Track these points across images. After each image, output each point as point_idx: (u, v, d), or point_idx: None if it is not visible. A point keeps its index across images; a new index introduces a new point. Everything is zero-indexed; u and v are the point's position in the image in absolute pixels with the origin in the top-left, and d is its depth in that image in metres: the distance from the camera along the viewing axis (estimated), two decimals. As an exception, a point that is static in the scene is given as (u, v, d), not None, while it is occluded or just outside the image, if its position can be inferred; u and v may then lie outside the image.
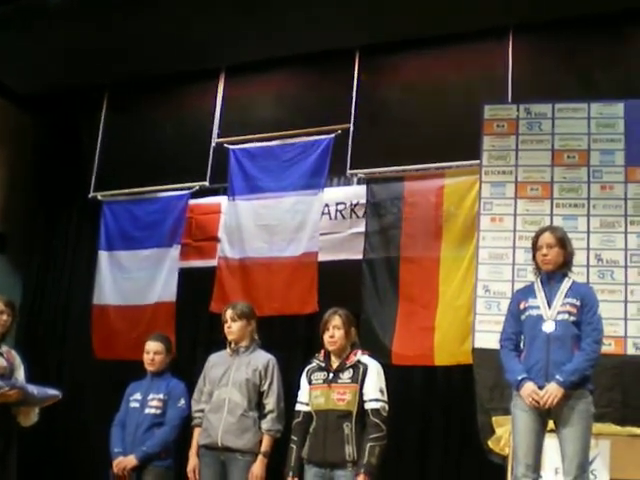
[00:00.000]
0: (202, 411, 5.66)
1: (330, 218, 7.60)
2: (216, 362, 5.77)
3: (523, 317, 4.93)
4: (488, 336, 5.94)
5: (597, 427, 5.36)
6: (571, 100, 6.71)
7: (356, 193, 7.60)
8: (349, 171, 7.60)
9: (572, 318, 4.80)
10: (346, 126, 7.68)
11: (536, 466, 4.76)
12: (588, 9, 7.02)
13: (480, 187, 6.63)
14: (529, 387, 4.71)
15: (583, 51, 7.18)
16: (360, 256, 7.22)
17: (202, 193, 8.11)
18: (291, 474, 5.20)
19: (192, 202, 8.05)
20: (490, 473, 6.08)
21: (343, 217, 7.59)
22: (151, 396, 5.91)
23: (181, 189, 8.07)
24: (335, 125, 7.62)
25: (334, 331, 5.28)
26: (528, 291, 5.03)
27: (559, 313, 4.83)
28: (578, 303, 4.83)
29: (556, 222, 6.21)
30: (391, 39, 7.76)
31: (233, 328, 5.68)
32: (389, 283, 7.07)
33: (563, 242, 4.99)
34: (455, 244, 6.91)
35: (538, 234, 5.06)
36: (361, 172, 7.56)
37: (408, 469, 6.94)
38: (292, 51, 7.95)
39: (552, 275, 4.96)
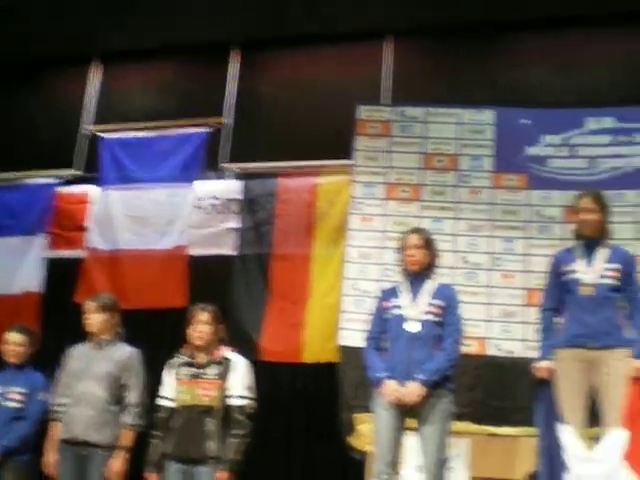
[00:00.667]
0: (62, 405, 5.53)
1: (204, 212, 7.52)
2: (77, 355, 5.60)
3: (388, 316, 4.96)
4: (354, 334, 6.01)
5: (457, 426, 5.47)
6: (444, 105, 6.85)
7: (231, 188, 7.54)
8: (225, 165, 7.57)
9: (435, 319, 4.86)
10: (223, 120, 7.67)
11: (395, 463, 4.81)
12: (464, 18, 7.17)
13: (352, 187, 6.71)
14: (391, 385, 4.75)
15: (458, 58, 7.36)
16: (232, 252, 7.19)
17: (73, 182, 7.93)
18: (151, 469, 5.16)
19: (63, 191, 7.87)
20: (351, 470, 6.14)
21: (217, 212, 7.50)
22: (11, 389, 5.72)
23: (52, 177, 7.89)
24: (212, 118, 7.60)
25: (201, 326, 5.24)
26: (393, 291, 5.07)
27: (423, 313, 4.88)
28: (442, 304, 4.90)
29: (424, 224, 6.27)
30: (271, 35, 7.77)
31: (92, 320, 5.53)
32: (260, 279, 7.07)
33: (429, 244, 5.05)
34: (327, 242, 6.95)
35: (405, 235, 5.11)
36: (236, 167, 7.52)
37: (273, 465, 6.91)
38: (171, 42, 7.87)
39: (417, 276, 5.01)
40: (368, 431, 5.60)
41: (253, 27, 7.67)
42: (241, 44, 7.96)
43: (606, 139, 6.57)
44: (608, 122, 6.60)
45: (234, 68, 7.92)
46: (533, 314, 5.66)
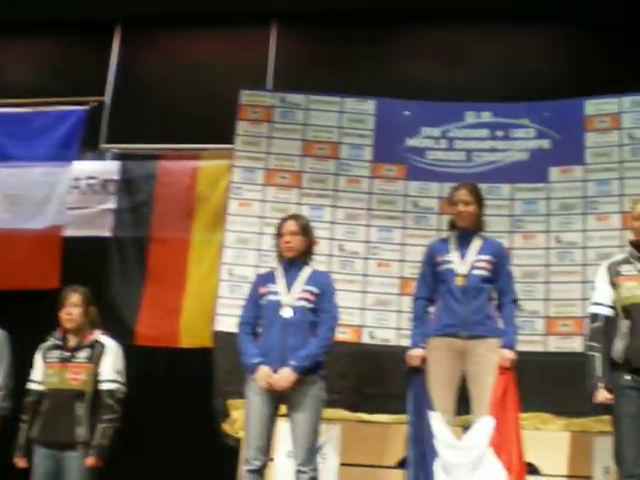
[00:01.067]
0: None
1: (80, 193, 7.33)
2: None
3: (262, 302, 4.97)
4: (230, 320, 5.96)
5: (329, 412, 5.52)
6: (325, 93, 6.87)
7: (109, 169, 7.35)
8: (103, 145, 7.42)
9: (309, 305, 4.89)
10: (103, 99, 7.53)
11: (266, 449, 4.83)
12: (351, 6, 7.18)
13: (232, 172, 6.67)
14: (263, 371, 4.76)
15: (343, 46, 7.39)
16: (109, 233, 7.06)
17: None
18: (19, 454, 5.09)
19: None
20: (225, 456, 6.12)
21: (94, 192, 7.30)
22: None
23: None
24: (92, 97, 7.41)
25: (71, 308, 5.18)
26: (269, 277, 5.08)
27: (297, 300, 4.90)
28: (316, 290, 4.93)
29: (303, 211, 6.31)
30: (155, 14, 7.61)
31: None
32: (137, 263, 6.94)
33: (306, 230, 5.08)
34: (206, 227, 6.88)
35: (282, 221, 5.12)
36: (115, 147, 7.38)
37: (148, 451, 6.85)
38: (51, 17, 7.63)
39: (294, 262, 5.03)
40: (242, 417, 5.58)
41: (137, 5, 7.50)
42: (124, 22, 7.79)
43: (484, 133, 6.69)
44: (486, 117, 6.72)
45: (116, 46, 7.75)
46: (407, 303, 5.73)
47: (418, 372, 5.03)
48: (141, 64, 7.82)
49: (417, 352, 5.04)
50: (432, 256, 5.20)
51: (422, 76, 7.26)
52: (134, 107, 7.53)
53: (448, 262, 5.10)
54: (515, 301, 5.16)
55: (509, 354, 4.92)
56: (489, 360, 4.92)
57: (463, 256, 5.10)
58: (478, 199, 5.19)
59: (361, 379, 6.22)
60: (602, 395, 4.57)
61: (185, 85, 7.57)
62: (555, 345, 6.17)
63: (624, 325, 4.62)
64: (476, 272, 5.03)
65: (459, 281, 5.03)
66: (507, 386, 4.87)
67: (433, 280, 5.17)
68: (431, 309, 5.17)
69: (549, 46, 7.16)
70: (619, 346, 4.59)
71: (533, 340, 6.18)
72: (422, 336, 5.07)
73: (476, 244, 5.13)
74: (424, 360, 5.01)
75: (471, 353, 4.96)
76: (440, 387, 4.98)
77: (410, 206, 6.58)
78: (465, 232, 5.16)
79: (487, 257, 5.08)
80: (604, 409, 4.78)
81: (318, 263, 5.44)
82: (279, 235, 5.08)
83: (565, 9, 6.94)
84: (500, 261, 5.12)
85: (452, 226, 5.25)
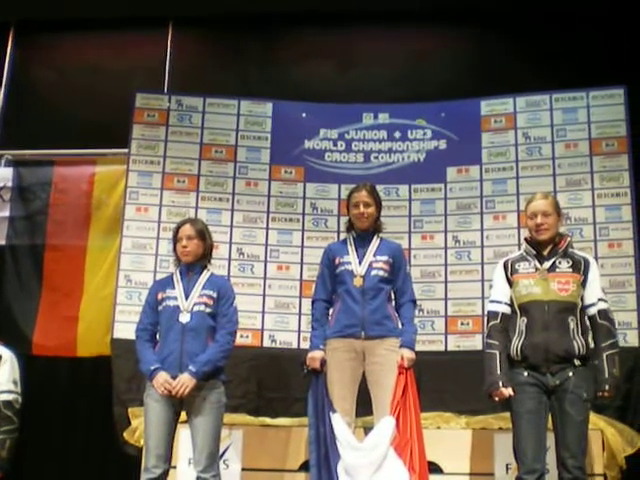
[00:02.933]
0: None
1: (-25, 201, 7.17)
2: None
3: (160, 308, 4.92)
4: (128, 327, 5.87)
5: (231, 417, 5.50)
6: (222, 96, 6.83)
7: (3, 175, 7.16)
8: (-5, 151, 7.23)
9: (207, 309, 4.86)
10: (-4, 104, 7.35)
11: (167, 457, 4.77)
12: (246, 9, 7.16)
13: (127, 176, 6.58)
14: (162, 377, 4.71)
15: (239, 49, 7.36)
16: (3, 241, 6.88)
17: None
18: None
19: None
20: (127, 465, 6.02)
21: (-12, 200, 7.18)
22: None
23: None
24: (-16, 102, 7.24)
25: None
26: (167, 282, 5.03)
27: (196, 304, 4.86)
28: (214, 295, 4.90)
29: (201, 215, 6.29)
30: (49, 17, 7.49)
31: None
32: (33, 271, 6.80)
33: (203, 234, 5.04)
34: (103, 233, 6.77)
35: (179, 226, 5.08)
36: (9, 153, 7.19)
37: (51, 461, 6.71)
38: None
39: (191, 267, 4.99)
40: (142, 425, 5.50)
41: (31, 8, 7.33)
42: (17, 25, 7.62)
43: (381, 134, 6.74)
44: (384, 118, 6.77)
45: (10, 50, 7.56)
46: (308, 305, 5.72)
47: (318, 374, 5.02)
48: (35, 67, 7.64)
49: (317, 354, 5.03)
50: (331, 258, 5.20)
51: (319, 78, 7.26)
52: (28, 112, 7.36)
53: (347, 263, 5.11)
54: (414, 301, 5.19)
55: (409, 353, 4.95)
56: (389, 360, 4.94)
57: (361, 257, 5.11)
58: (377, 200, 5.22)
59: (263, 383, 6.22)
60: (503, 392, 4.62)
61: (81, 89, 7.44)
62: (455, 344, 6.26)
63: (521, 322, 4.69)
64: (374, 272, 5.05)
65: (357, 282, 5.04)
66: (407, 386, 4.90)
67: (332, 282, 5.17)
68: (331, 311, 5.16)
69: (446, 47, 7.24)
70: (516, 343, 4.65)
71: (433, 340, 6.26)
72: (322, 338, 5.07)
73: (374, 245, 5.15)
74: (324, 362, 5.01)
75: (371, 353, 4.97)
76: (341, 388, 4.98)
77: (309, 208, 6.60)
78: (364, 233, 5.18)
79: (385, 258, 5.10)
80: (504, 406, 4.86)
81: (217, 267, 5.42)
82: (176, 240, 5.03)
83: (465, 10, 7.04)
84: (398, 262, 5.15)
85: (350, 227, 5.26)
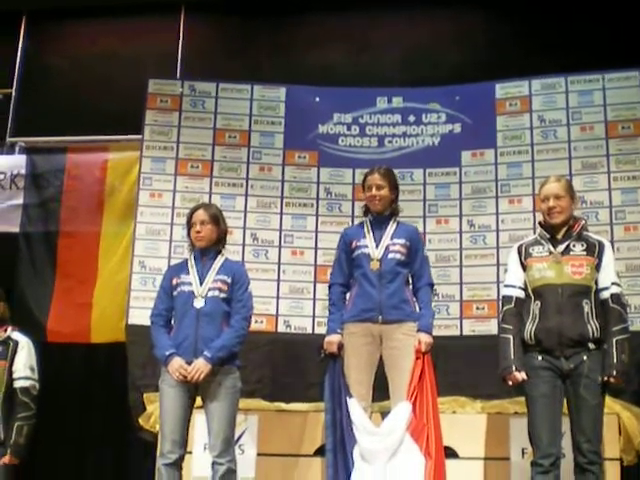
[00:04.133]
0: None
1: (-10, 189, 7.19)
2: None
3: (175, 293, 4.91)
4: (142, 312, 5.87)
5: (246, 402, 5.50)
6: (235, 81, 6.80)
7: (17, 163, 7.20)
8: (9, 139, 7.24)
9: (221, 294, 4.84)
10: (8, 91, 7.36)
11: (182, 442, 4.77)
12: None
13: (141, 162, 6.58)
14: (177, 362, 4.71)
15: (252, 34, 7.34)
16: (17, 229, 6.90)
17: None
18: None
19: None
20: (142, 450, 6.06)
21: (2, 188, 7.15)
22: None
23: None
24: (-1, 90, 7.26)
25: (-23, 306, 5.04)
26: (181, 267, 5.02)
27: (210, 290, 4.85)
28: (228, 280, 4.89)
29: (215, 200, 6.27)
30: (61, 4, 7.52)
31: None
32: (47, 258, 6.83)
33: (217, 219, 5.02)
34: (117, 219, 6.79)
35: (192, 211, 5.07)
36: (22, 141, 7.21)
37: (67, 447, 6.75)
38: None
39: (205, 252, 4.98)
40: (157, 411, 5.51)
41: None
42: (30, 13, 7.63)
43: (395, 118, 6.70)
44: (397, 102, 6.73)
45: (23, 38, 7.57)
46: (322, 290, 5.74)
47: (335, 359, 5.00)
48: (48, 55, 7.68)
49: (334, 338, 5.01)
50: (347, 242, 5.17)
51: (333, 63, 7.23)
52: (41, 99, 7.41)
53: (363, 247, 5.08)
54: (431, 285, 5.16)
55: (426, 338, 4.92)
56: (406, 344, 4.91)
57: (378, 240, 5.08)
58: (391, 183, 5.17)
59: (278, 368, 6.21)
60: (516, 376, 4.59)
61: (93, 76, 7.46)
62: (470, 328, 6.23)
63: (535, 306, 4.66)
64: (391, 256, 5.02)
65: (374, 265, 5.01)
66: (424, 370, 4.87)
67: (349, 266, 5.14)
68: (348, 295, 5.14)
69: (460, 30, 7.19)
70: (530, 327, 4.63)
71: (449, 324, 6.23)
72: (339, 322, 5.04)
73: (391, 229, 5.12)
74: (341, 346, 4.99)
75: (388, 338, 4.95)
76: (357, 373, 4.96)
77: (323, 193, 6.58)
78: (380, 217, 5.14)
79: (402, 241, 5.06)
80: (519, 390, 4.83)
81: (231, 253, 5.40)
82: (189, 225, 5.02)
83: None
84: (415, 245, 5.11)
85: (367, 211, 5.23)
